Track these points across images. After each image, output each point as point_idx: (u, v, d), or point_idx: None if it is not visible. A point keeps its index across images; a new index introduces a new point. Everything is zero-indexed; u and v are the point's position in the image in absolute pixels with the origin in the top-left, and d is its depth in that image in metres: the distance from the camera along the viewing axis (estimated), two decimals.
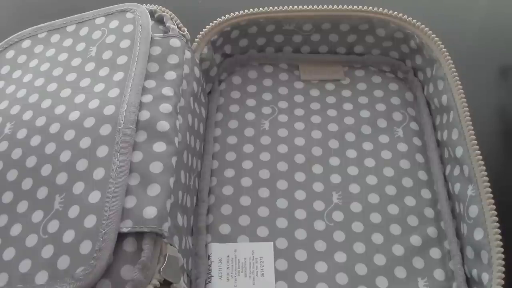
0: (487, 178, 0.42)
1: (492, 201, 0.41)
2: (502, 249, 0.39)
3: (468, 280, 0.43)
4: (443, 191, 0.47)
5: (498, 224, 0.40)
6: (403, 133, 0.51)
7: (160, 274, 0.36)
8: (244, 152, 0.50)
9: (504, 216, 0.41)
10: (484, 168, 0.43)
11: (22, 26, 0.51)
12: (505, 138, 0.56)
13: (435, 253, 0.45)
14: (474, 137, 0.45)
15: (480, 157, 0.43)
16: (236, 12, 0.53)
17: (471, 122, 0.46)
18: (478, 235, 0.41)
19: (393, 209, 0.47)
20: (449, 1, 0.67)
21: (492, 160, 0.48)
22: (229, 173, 0.49)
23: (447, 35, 0.53)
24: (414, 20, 0.52)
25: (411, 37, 0.53)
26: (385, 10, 0.53)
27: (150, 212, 0.36)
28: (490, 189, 0.42)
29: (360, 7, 0.53)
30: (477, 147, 0.44)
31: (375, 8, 0.53)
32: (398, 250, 0.45)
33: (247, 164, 0.50)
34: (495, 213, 0.41)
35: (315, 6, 0.53)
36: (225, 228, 0.46)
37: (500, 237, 0.40)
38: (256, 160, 0.50)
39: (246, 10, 0.53)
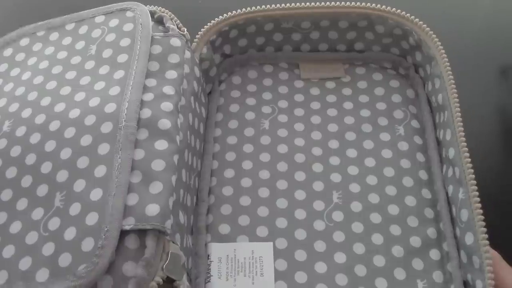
0: (475, 182, 0.41)
1: (479, 205, 0.40)
2: (490, 255, 0.38)
3: (466, 282, 0.42)
4: (442, 191, 0.47)
5: (485, 229, 0.39)
6: (404, 131, 0.51)
7: (163, 271, 0.35)
8: (244, 152, 0.50)
9: (502, 218, 0.41)
10: (472, 171, 0.42)
11: (21, 25, 0.50)
12: (506, 138, 0.56)
13: (434, 254, 0.44)
14: (464, 138, 0.44)
15: (469, 159, 0.42)
16: (234, 11, 0.53)
17: (462, 123, 0.44)
18: (469, 239, 0.41)
19: (393, 209, 0.46)
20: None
21: (493, 161, 0.48)
22: (229, 173, 0.49)
23: (447, 34, 0.52)
24: (412, 17, 0.51)
25: (409, 34, 0.52)
26: (383, 7, 0.52)
27: (153, 209, 0.36)
28: (477, 193, 0.41)
29: (358, 3, 0.52)
30: (467, 149, 0.43)
31: (373, 5, 0.52)
32: (397, 251, 0.44)
33: (247, 165, 0.49)
34: (482, 217, 0.40)
35: (313, 3, 0.53)
36: (224, 228, 0.46)
37: (487, 242, 0.39)
38: (256, 160, 0.49)
39: (243, 9, 0.53)
